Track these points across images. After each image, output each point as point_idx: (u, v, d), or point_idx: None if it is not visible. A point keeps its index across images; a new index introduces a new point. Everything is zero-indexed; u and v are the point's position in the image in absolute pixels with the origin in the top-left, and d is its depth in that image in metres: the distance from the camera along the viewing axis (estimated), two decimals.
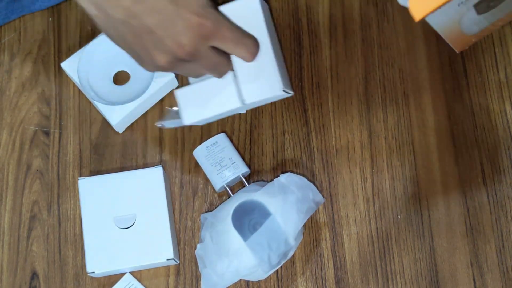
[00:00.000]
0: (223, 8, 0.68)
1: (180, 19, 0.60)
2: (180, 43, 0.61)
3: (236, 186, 0.83)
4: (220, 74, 0.69)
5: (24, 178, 0.83)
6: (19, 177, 0.83)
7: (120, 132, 0.85)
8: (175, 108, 0.77)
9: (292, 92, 0.73)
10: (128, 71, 0.85)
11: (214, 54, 0.64)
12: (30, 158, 0.84)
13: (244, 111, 0.81)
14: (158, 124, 0.80)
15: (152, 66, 0.65)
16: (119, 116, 0.82)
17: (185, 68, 0.66)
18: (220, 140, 0.82)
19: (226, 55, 0.66)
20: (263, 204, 0.77)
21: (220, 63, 0.66)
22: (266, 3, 0.74)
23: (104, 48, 0.83)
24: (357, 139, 0.85)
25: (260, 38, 0.67)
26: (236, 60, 0.68)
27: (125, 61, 0.84)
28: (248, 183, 0.82)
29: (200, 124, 0.76)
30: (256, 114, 0.86)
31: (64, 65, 0.84)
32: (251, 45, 0.65)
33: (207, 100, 0.70)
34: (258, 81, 0.68)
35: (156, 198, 0.78)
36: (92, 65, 0.83)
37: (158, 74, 0.82)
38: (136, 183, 0.79)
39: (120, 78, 0.85)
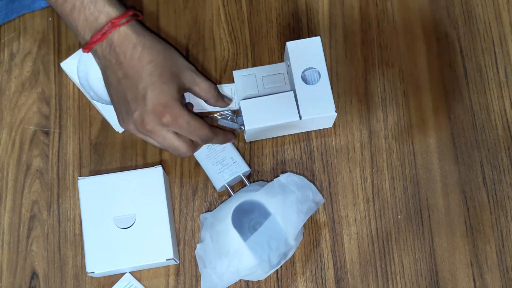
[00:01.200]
0: None
1: (150, 103, 0.72)
2: (144, 121, 0.73)
3: (237, 185, 0.83)
4: (178, 154, 0.77)
5: (24, 178, 0.83)
6: (19, 177, 0.83)
7: (120, 132, 0.85)
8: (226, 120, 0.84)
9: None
10: None
11: (173, 137, 0.75)
12: (30, 158, 0.84)
13: (295, 131, 0.85)
14: (217, 116, 0.84)
15: (121, 124, 0.77)
16: None
17: (147, 139, 0.76)
18: None
19: (188, 141, 0.77)
20: (263, 204, 0.77)
21: (178, 146, 0.76)
22: None
23: None
24: (357, 139, 0.85)
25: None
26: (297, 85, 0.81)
27: None
28: (249, 183, 0.82)
29: (252, 137, 0.83)
30: None
31: (64, 64, 0.84)
32: (203, 135, 0.76)
33: (266, 111, 0.80)
34: (314, 102, 0.80)
35: (156, 198, 0.78)
36: (91, 65, 0.83)
37: None
38: (136, 183, 0.79)
39: None
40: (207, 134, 0.76)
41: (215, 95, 0.81)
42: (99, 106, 0.82)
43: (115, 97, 0.76)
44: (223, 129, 0.83)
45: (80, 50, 0.84)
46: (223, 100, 0.83)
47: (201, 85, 0.79)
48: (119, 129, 0.84)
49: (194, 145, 0.78)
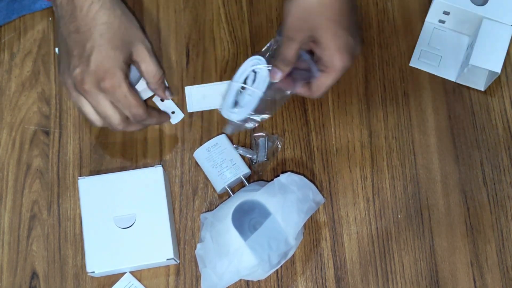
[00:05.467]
0: None
1: (93, 64, 0.72)
2: (83, 80, 0.72)
3: (237, 187, 0.83)
4: (109, 125, 0.76)
5: (24, 178, 0.83)
6: (19, 177, 0.83)
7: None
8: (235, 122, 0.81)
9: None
10: None
11: (108, 105, 0.74)
12: (30, 157, 0.84)
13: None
14: (224, 131, 0.82)
15: (61, 76, 0.76)
16: None
17: (81, 101, 0.75)
18: (221, 141, 0.82)
19: (123, 114, 0.75)
20: (263, 204, 0.77)
21: (110, 115, 0.75)
22: None
23: None
24: (357, 138, 0.85)
25: None
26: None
27: None
28: (249, 184, 0.82)
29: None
30: None
31: None
32: (137, 115, 0.75)
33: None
34: None
35: (156, 197, 0.78)
36: None
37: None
38: (136, 183, 0.79)
39: None
40: (140, 114, 0.75)
41: (158, 82, 0.79)
42: None
43: (63, 49, 0.75)
44: (158, 110, 0.82)
45: None
46: (164, 91, 0.81)
47: (149, 65, 0.77)
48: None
49: (128, 122, 0.77)
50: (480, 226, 0.82)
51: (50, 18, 0.89)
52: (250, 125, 0.80)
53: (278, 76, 0.78)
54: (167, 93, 0.81)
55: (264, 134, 0.83)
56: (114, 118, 0.75)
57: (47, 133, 0.85)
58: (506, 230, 0.81)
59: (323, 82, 0.76)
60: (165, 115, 0.82)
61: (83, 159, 0.84)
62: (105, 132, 0.85)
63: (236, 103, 0.79)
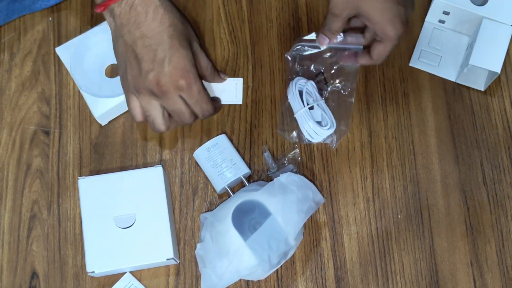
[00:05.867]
0: None
1: (169, 65, 0.73)
2: (159, 82, 0.74)
3: (237, 187, 0.83)
4: (182, 122, 0.78)
5: (24, 178, 0.83)
6: (19, 177, 0.83)
7: (103, 124, 0.85)
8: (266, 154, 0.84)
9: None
10: None
11: (182, 102, 0.76)
12: (30, 157, 0.84)
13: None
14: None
15: (128, 87, 0.76)
16: (103, 109, 0.82)
17: (151, 104, 0.76)
18: (221, 141, 0.82)
19: (191, 110, 0.78)
20: (263, 204, 0.77)
21: (185, 112, 0.77)
22: None
23: (101, 39, 0.84)
24: (357, 138, 0.85)
25: None
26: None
27: None
28: (249, 184, 0.82)
29: None
30: (256, 114, 0.86)
31: (59, 50, 0.84)
32: (206, 110, 0.78)
33: None
34: None
35: (156, 197, 0.78)
36: (86, 54, 0.83)
37: None
38: (136, 182, 0.79)
39: (112, 72, 0.85)
40: (209, 109, 0.78)
41: (212, 73, 0.82)
42: (85, 96, 0.82)
43: (126, 56, 0.75)
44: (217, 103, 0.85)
45: (78, 38, 0.84)
46: (219, 75, 0.85)
47: (202, 60, 0.80)
48: (102, 121, 0.84)
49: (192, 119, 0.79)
50: (480, 226, 0.82)
51: (50, 18, 0.89)
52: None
53: (326, 42, 0.82)
54: (222, 75, 0.85)
55: (264, 148, 0.83)
56: (187, 114, 0.77)
57: (47, 133, 0.85)
58: (506, 230, 0.81)
59: (382, 50, 0.80)
60: (220, 106, 0.85)
61: (83, 159, 0.84)
62: (105, 132, 0.85)
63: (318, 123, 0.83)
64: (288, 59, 0.85)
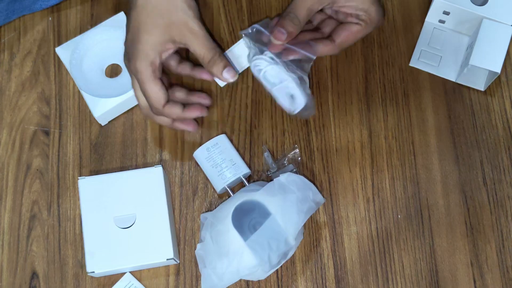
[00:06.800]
0: None
1: (127, 47, 0.72)
2: (125, 62, 0.73)
3: (237, 187, 0.83)
4: (142, 108, 0.77)
5: (24, 178, 0.83)
6: (19, 177, 0.83)
7: (103, 124, 0.85)
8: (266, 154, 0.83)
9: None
10: (120, 65, 0.85)
11: (137, 87, 0.75)
12: (30, 157, 0.84)
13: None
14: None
15: (129, 64, 0.74)
16: (103, 109, 0.82)
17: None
18: (221, 141, 0.82)
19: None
20: (263, 204, 0.77)
21: (138, 96, 0.76)
22: None
23: (101, 38, 0.84)
24: (357, 139, 0.85)
25: None
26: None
27: (119, 55, 0.83)
28: (249, 184, 0.82)
29: None
30: (256, 114, 0.86)
31: (59, 50, 0.84)
32: (155, 109, 0.74)
33: None
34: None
35: (156, 197, 0.78)
36: (87, 54, 0.83)
37: None
38: (136, 183, 0.79)
39: (112, 71, 0.85)
40: (156, 107, 0.74)
41: (209, 64, 0.73)
42: (85, 96, 0.82)
43: (132, 35, 0.74)
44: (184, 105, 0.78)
45: (78, 38, 0.84)
46: (221, 73, 0.73)
47: (197, 47, 0.72)
48: (102, 121, 0.84)
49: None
50: (480, 226, 0.82)
51: (50, 18, 0.89)
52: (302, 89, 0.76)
53: (283, 37, 0.71)
54: (224, 74, 0.73)
55: (264, 148, 0.83)
56: (141, 101, 0.75)
57: (47, 133, 0.85)
58: (506, 230, 0.81)
59: (354, 34, 0.74)
60: (195, 109, 0.77)
61: (83, 159, 0.84)
62: (105, 132, 0.85)
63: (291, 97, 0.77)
64: (246, 39, 0.77)
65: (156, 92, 0.73)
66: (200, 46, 0.72)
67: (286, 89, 0.76)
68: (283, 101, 0.77)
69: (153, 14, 0.70)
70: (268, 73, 0.76)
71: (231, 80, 0.73)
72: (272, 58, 0.75)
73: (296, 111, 0.78)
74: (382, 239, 0.81)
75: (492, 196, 0.83)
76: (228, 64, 0.73)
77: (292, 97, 0.77)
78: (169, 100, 0.75)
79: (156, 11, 0.70)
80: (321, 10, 0.79)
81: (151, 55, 0.72)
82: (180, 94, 0.80)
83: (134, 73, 0.74)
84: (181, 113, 0.77)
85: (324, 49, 0.76)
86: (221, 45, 0.88)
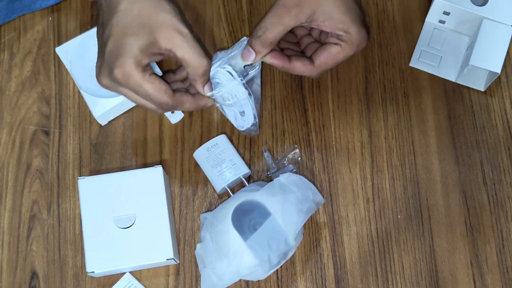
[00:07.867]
0: None
1: (107, 55, 0.67)
2: (100, 73, 0.69)
3: (237, 187, 0.83)
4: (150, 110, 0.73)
5: (24, 178, 0.83)
6: (19, 177, 0.83)
7: (103, 124, 0.85)
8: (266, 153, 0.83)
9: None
10: None
11: (133, 94, 0.70)
12: (30, 157, 0.84)
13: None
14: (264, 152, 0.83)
15: (113, 75, 0.69)
16: (103, 109, 0.82)
17: (120, 91, 0.71)
18: (221, 141, 0.82)
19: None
20: (263, 204, 0.77)
21: (144, 104, 0.71)
22: None
23: None
24: (357, 139, 0.85)
25: None
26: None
27: None
28: (249, 184, 0.82)
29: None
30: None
31: (59, 50, 0.84)
32: (163, 104, 0.70)
33: None
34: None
35: (156, 198, 0.78)
36: (87, 54, 0.83)
37: None
38: (136, 183, 0.79)
39: None
40: (165, 102, 0.69)
41: (197, 73, 0.69)
42: (85, 96, 0.82)
43: (102, 40, 0.69)
44: (192, 94, 0.74)
45: (78, 38, 0.84)
46: (203, 86, 0.70)
47: (185, 53, 0.67)
48: (102, 121, 0.84)
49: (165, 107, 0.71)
50: (480, 226, 0.82)
51: (50, 18, 0.89)
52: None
53: (251, 58, 0.68)
54: (206, 89, 0.70)
55: (264, 148, 0.83)
56: (148, 105, 0.70)
57: (47, 133, 0.85)
58: (506, 230, 0.81)
59: (334, 56, 0.70)
60: (201, 98, 0.72)
61: (83, 159, 0.84)
62: (105, 132, 0.85)
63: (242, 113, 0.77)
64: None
65: (158, 86, 0.68)
66: (190, 51, 0.68)
67: (239, 106, 0.76)
68: (232, 118, 0.78)
69: (140, 17, 0.66)
70: (224, 88, 0.74)
71: (208, 105, 0.73)
72: (231, 74, 0.73)
73: (244, 128, 0.79)
74: (382, 239, 0.81)
75: (492, 196, 0.83)
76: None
77: (242, 113, 0.77)
78: (174, 90, 0.72)
79: (143, 13, 0.66)
80: (303, 27, 0.75)
81: (139, 56, 0.67)
82: (178, 83, 0.77)
83: (124, 81, 0.67)
84: (192, 100, 0.73)
85: (301, 68, 0.72)
86: (217, 48, 0.88)
